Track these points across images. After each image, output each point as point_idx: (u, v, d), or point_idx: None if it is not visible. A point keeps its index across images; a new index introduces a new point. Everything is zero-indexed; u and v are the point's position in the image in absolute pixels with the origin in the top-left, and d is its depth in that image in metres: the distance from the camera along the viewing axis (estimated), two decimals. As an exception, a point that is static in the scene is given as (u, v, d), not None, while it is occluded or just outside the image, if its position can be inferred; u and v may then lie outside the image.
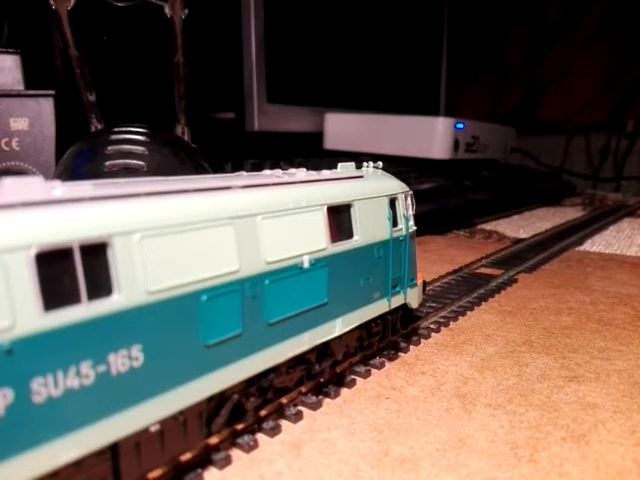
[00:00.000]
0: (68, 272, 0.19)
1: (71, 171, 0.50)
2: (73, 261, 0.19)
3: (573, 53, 1.79)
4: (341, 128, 1.11)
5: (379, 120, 1.09)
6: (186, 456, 0.25)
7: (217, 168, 0.72)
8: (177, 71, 0.59)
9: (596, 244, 0.83)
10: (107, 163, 0.49)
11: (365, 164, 0.39)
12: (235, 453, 0.27)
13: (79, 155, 0.51)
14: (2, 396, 0.17)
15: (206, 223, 0.24)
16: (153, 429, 0.22)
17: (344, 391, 0.33)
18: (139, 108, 0.76)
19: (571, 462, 0.26)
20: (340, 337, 0.33)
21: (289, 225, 0.28)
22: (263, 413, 0.29)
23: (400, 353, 0.39)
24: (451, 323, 0.45)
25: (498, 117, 1.71)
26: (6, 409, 0.17)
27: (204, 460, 0.26)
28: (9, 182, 0.19)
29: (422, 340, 0.41)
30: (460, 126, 1.05)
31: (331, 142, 1.12)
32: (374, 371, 0.36)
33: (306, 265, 0.29)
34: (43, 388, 0.18)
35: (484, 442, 0.28)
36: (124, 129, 0.52)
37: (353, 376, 0.34)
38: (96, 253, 0.20)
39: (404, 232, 0.38)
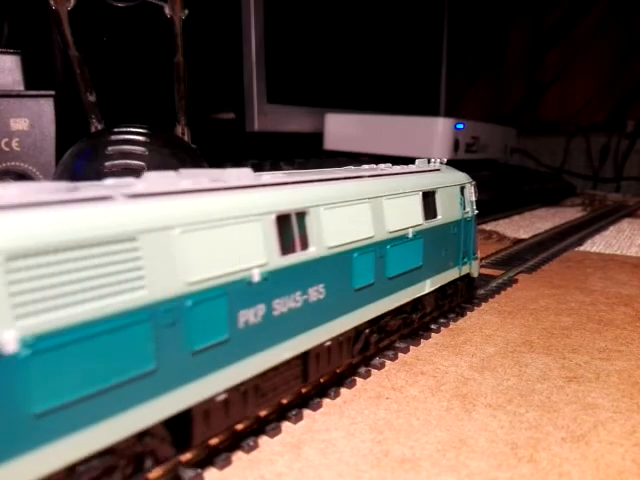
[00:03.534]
0: (289, 231, 0.28)
1: (71, 171, 0.50)
2: (291, 224, 0.28)
3: (573, 53, 1.79)
4: (341, 128, 1.11)
5: (379, 120, 1.09)
6: (186, 456, 0.25)
7: (217, 168, 0.72)
8: (177, 71, 0.59)
9: (596, 244, 0.83)
10: (107, 163, 0.49)
11: (432, 160, 0.46)
12: (235, 453, 0.27)
13: (79, 155, 0.51)
14: (259, 309, 0.26)
15: (354, 201, 0.33)
16: (326, 344, 0.31)
17: (344, 391, 0.33)
18: (139, 108, 0.76)
19: (571, 462, 0.26)
20: (428, 294, 0.41)
21: (400, 205, 0.37)
22: (263, 414, 0.29)
23: (400, 353, 0.39)
24: (451, 323, 0.45)
25: (498, 117, 1.71)
26: (261, 317, 0.26)
27: (204, 460, 0.26)
28: (237, 172, 0.28)
29: (422, 340, 0.41)
30: (460, 126, 1.05)
31: (331, 142, 1.12)
32: (374, 371, 0.36)
33: (410, 236, 0.38)
34: (278, 306, 0.27)
35: (484, 442, 0.28)
36: (124, 129, 0.52)
37: (353, 376, 0.34)
38: (301, 220, 0.29)
39: (470, 214, 0.47)
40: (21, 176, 0.63)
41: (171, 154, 0.52)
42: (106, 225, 0.20)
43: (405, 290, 0.38)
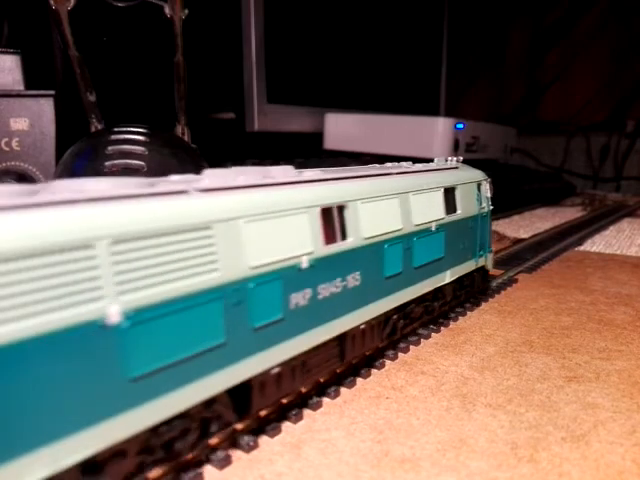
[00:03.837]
0: (331, 223, 0.31)
1: (71, 171, 0.50)
2: (333, 216, 0.31)
3: (573, 53, 1.79)
4: (341, 128, 1.11)
5: (379, 120, 1.09)
6: (186, 456, 0.25)
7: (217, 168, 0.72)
8: (177, 71, 0.59)
9: (596, 244, 0.83)
10: (107, 163, 0.49)
11: (449, 158, 0.49)
12: (235, 453, 0.27)
13: (79, 155, 0.51)
14: (307, 292, 0.29)
15: (385, 196, 0.36)
16: (361, 328, 0.34)
17: (344, 391, 0.33)
18: (139, 108, 0.76)
19: (571, 462, 0.26)
20: (447, 284, 0.44)
21: (424, 200, 0.40)
22: (263, 414, 0.29)
23: (400, 353, 0.39)
24: (451, 323, 0.45)
25: (498, 117, 1.71)
26: (308, 300, 0.29)
27: (204, 460, 0.26)
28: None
29: (422, 340, 0.41)
30: (460, 126, 1.05)
31: (331, 142, 1.12)
32: (374, 371, 0.36)
33: (433, 229, 0.40)
34: (322, 290, 0.30)
35: (484, 442, 0.28)
36: (124, 129, 0.52)
37: (353, 376, 0.34)
38: (342, 213, 0.32)
39: (486, 210, 0.50)
40: (21, 176, 0.63)
41: (171, 154, 0.52)
42: (188, 215, 0.23)
43: (428, 280, 0.41)
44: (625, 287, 0.58)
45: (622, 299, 0.53)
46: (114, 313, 0.20)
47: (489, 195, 0.50)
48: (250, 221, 0.26)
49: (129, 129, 0.52)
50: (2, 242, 0.17)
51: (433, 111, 1.53)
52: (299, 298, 0.29)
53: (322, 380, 0.33)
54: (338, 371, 0.34)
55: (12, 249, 0.17)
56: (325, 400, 0.32)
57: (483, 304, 0.51)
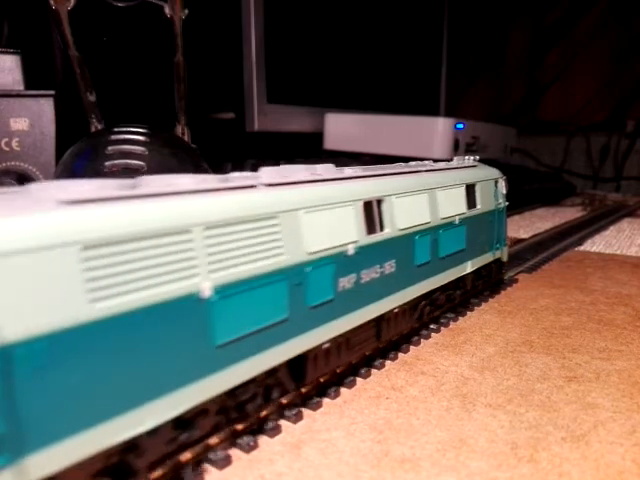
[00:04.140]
0: (372, 215, 0.34)
1: (71, 171, 0.50)
2: (373, 209, 0.34)
3: (573, 53, 1.79)
4: (341, 128, 1.11)
5: (379, 120, 1.09)
6: (186, 456, 0.25)
7: (217, 168, 0.72)
8: (177, 71, 0.59)
9: (596, 244, 0.83)
10: (107, 163, 0.49)
11: (467, 157, 0.52)
12: (235, 453, 0.27)
13: (79, 155, 0.51)
14: (352, 277, 0.32)
15: (416, 192, 0.39)
16: (395, 311, 0.38)
17: (344, 391, 0.33)
18: (139, 108, 0.76)
19: (571, 462, 0.26)
20: (468, 274, 0.47)
21: (449, 195, 0.43)
22: (263, 414, 0.29)
23: (400, 353, 0.39)
24: (451, 323, 0.45)
25: (498, 117, 1.71)
26: (353, 284, 0.32)
27: (204, 460, 0.26)
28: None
29: (422, 340, 0.41)
30: (460, 126, 1.05)
31: (331, 142, 1.12)
32: (374, 371, 0.36)
33: (457, 222, 0.44)
34: (364, 275, 0.33)
35: (484, 442, 0.28)
36: (124, 129, 0.52)
37: (353, 376, 0.34)
38: (380, 206, 0.35)
39: (502, 205, 0.53)
40: (21, 176, 0.63)
41: (171, 154, 0.52)
42: (260, 206, 0.27)
43: (452, 269, 0.44)
44: (625, 287, 0.58)
45: (622, 299, 0.53)
46: (206, 288, 0.23)
47: (504, 192, 0.54)
48: (308, 212, 0.29)
49: (129, 129, 0.52)
50: (120, 227, 0.21)
51: (433, 111, 1.53)
52: (346, 282, 0.32)
53: (367, 353, 0.36)
54: (367, 353, 0.36)
55: (128, 233, 0.21)
56: (325, 400, 0.32)
57: (483, 304, 0.51)
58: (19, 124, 0.64)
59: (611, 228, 0.99)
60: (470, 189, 0.46)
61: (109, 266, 0.20)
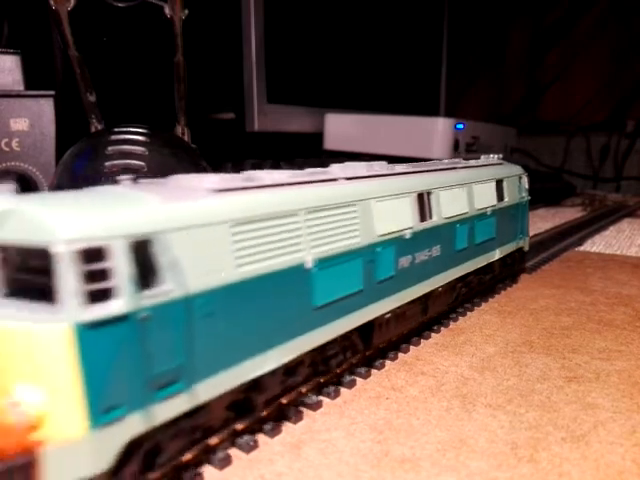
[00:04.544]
0: (423, 205, 0.39)
1: (71, 171, 0.50)
2: (424, 200, 0.40)
3: (573, 53, 1.79)
4: (341, 128, 1.11)
5: (379, 120, 1.09)
6: (186, 456, 0.25)
7: (217, 168, 0.72)
8: (177, 71, 0.59)
9: (596, 244, 0.83)
10: (107, 163, 0.49)
11: (491, 155, 0.57)
12: (235, 453, 0.27)
13: (79, 155, 0.51)
14: (408, 258, 0.37)
15: (456, 185, 0.44)
16: (439, 290, 0.43)
17: (344, 391, 0.33)
18: (139, 108, 0.76)
19: (571, 462, 0.26)
20: (496, 261, 0.52)
21: (482, 189, 0.48)
22: (264, 414, 0.29)
23: (400, 353, 0.39)
24: (451, 323, 0.45)
25: (498, 117, 1.71)
26: (409, 264, 0.38)
27: (204, 460, 0.26)
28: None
29: (422, 340, 0.41)
30: (460, 126, 1.05)
31: (331, 142, 1.12)
32: (374, 371, 0.36)
33: (488, 213, 0.49)
34: (417, 257, 0.39)
35: (484, 442, 0.28)
36: (124, 129, 0.52)
37: (353, 376, 0.34)
38: (429, 197, 0.40)
39: (525, 199, 0.58)
40: (21, 176, 0.63)
41: (171, 154, 0.52)
42: (344, 195, 0.32)
43: (484, 255, 0.49)
44: (625, 287, 0.58)
45: (622, 299, 0.53)
46: (309, 260, 0.29)
47: (527, 187, 0.59)
48: (377, 201, 0.35)
49: (129, 129, 0.52)
50: (254, 209, 0.26)
51: (433, 111, 1.53)
52: (404, 262, 0.37)
53: (415, 326, 0.41)
54: (415, 326, 0.41)
55: (259, 214, 0.26)
56: (325, 400, 0.32)
57: (483, 304, 0.51)
58: (19, 124, 0.64)
59: (611, 228, 0.99)
60: (499, 184, 0.52)
61: (248, 240, 0.25)
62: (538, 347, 0.41)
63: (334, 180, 0.33)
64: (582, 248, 0.80)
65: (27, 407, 0.19)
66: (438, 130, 1.02)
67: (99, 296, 0.19)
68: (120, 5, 0.64)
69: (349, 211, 0.32)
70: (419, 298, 0.40)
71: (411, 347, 0.40)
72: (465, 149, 1.08)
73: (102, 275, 0.19)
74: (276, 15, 0.98)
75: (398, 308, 0.37)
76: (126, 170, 0.49)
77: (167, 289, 0.21)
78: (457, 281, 0.45)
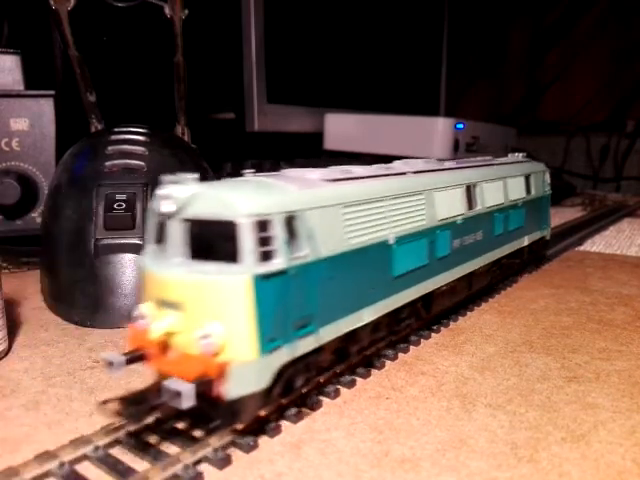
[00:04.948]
0: (470, 195, 0.46)
1: (71, 171, 0.50)
2: (471, 191, 0.46)
3: (573, 53, 1.79)
4: (341, 128, 1.11)
5: (379, 120, 1.09)
6: (186, 457, 0.25)
7: (217, 168, 0.72)
8: (177, 71, 0.59)
9: (596, 244, 0.83)
10: (107, 163, 0.49)
11: (516, 154, 0.63)
12: (235, 453, 0.27)
13: (79, 155, 0.51)
14: (458, 240, 0.44)
15: (495, 179, 0.51)
16: (480, 269, 0.49)
17: (344, 391, 0.33)
18: (139, 108, 0.76)
19: (571, 462, 0.26)
20: (524, 246, 0.58)
21: (514, 183, 0.55)
22: (263, 414, 0.29)
23: (400, 353, 0.39)
24: (451, 323, 0.45)
25: (498, 117, 1.71)
26: (459, 246, 0.44)
27: (203, 459, 0.26)
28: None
29: (422, 340, 0.41)
30: (460, 126, 1.05)
31: (331, 142, 1.12)
32: (374, 371, 0.36)
33: (519, 204, 0.55)
34: (466, 240, 0.45)
35: (484, 442, 0.28)
36: (124, 129, 0.52)
37: (353, 376, 0.34)
38: (475, 189, 0.47)
39: (548, 193, 0.65)
40: (21, 176, 0.63)
41: (171, 154, 0.52)
42: (414, 186, 0.39)
43: (515, 241, 0.56)
44: (625, 287, 0.58)
45: (622, 299, 0.53)
46: (391, 238, 0.35)
47: (549, 182, 0.65)
48: (438, 191, 0.41)
49: (129, 129, 0.52)
50: (355, 195, 0.33)
51: (433, 111, 1.53)
52: (456, 243, 0.44)
53: (462, 299, 0.47)
54: (463, 299, 0.48)
55: (359, 199, 0.33)
56: (325, 400, 0.32)
57: (483, 304, 0.51)
58: (19, 124, 0.64)
59: (611, 228, 0.99)
60: (527, 178, 0.58)
61: (353, 218, 0.32)
62: (538, 347, 0.41)
63: (404, 174, 0.40)
64: (582, 248, 0.80)
65: (215, 338, 0.25)
66: (438, 130, 1.02)
67: (266, 256, 0.26)
68: (120, 5, 0.64)
69: (418, 199, 0.39)
70: (466, 275, 0.46)
71: (411, 347, 0.40)
72: (465, 149, 1.08)
73: (268, 241, 0.26)
74: (276, 15, 0.98)
75: (451, 282, 0.44)
76: (126, 170, 0.49)
77: (305, 254, 0.28)
78: (493, 263, 0.51)
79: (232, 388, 0.25)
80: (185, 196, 0.26)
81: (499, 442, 0.28)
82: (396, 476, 0.25)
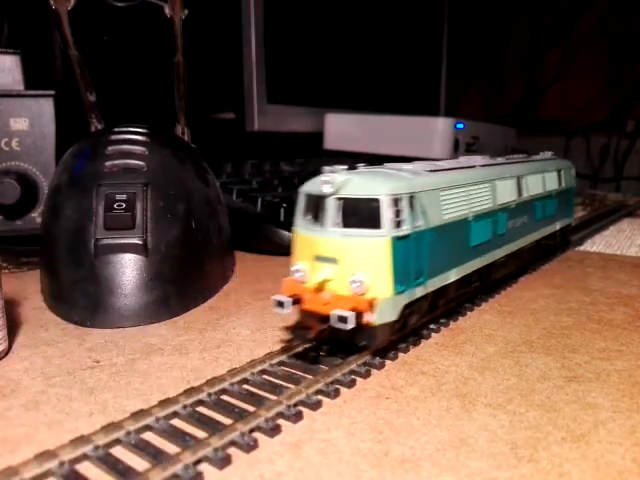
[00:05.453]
0: (520, 185, 0.55)
1: (71, 171, 0.50)
2: (520, 182, 0.55)
3: (573, 53, 1.79)
4: (341, 128, 1.11)
5: (379, 120, 1.09)
6: (186, 457, 0.25)
7: (217, 168, 0.72)
8: (177, 71, 0.59)
9: (596, 244, 0.83)
10: (107, 163, 0.49)
11: (542, 153, 0.71)
12: (235, 453, 0.27)
13: (79, 155, 0.51)
14: (512, 221, 0.53)
15: (535, 173, 0.59)
16: (527, 247, 0.58)
17: (344, 391, 0.33)
18: (139, 108, 0.76)
19: (571, 462, 0.26)
20: (556, 231, 0.68)
21: (550, 176, 0.64)
22: (263, 413, 0.29)
23: (400, 353, 0.39)
24: (451, 323, 0.45)
25: (498, 117, 1.71)
26: (511, 226, 0.53)
27: (203, 459, 0.26)
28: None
29: (422, 340, 0.41)
30: (460, 126, 1.05)
31: (331, 142, 1.12)
32: (374, 371, 0.36)
33: (553, 195, 0.64)
34: (517, 221, 0.54)
35: (484, 442, 0.28)
36: (124, 129, 0.52)
37: (353, 376, 0.34)
38: (522, 180, 0.55)
39: (573, 186, 0.73)
40: (21, 176, 0.63)
41: (171, 154, 0.52)
42: (483, 176, 0.47)
43: (550, 226, 0.65)
44: (625, 287, 0.58)
45: (622, 299, 0.53)
46: (470, 216, 0.44)
47: (574, 175, 0.74)
48: (499, 180, 0.50)
49: (129, 129, 0.52)
50: (446, 182, 0.42)
51: (433, 111, 1.53)
52: (510, 224, 0.52)
53: (512, 271, 0.57)
54: (513, 271, 0.57)
55: (449, 185, 0.42)
56: (325, 400, 0.32)
57: (483, 304, 0.51)
58: (19, 124, 0.64)
59: (611, 228, 0.99)
60: (559, 172, 0.67)
61: (447, 199, 0.41)
62: (538, 347, 0.41)
63: (474, 167, 0.49)
64: (582, 248, 0.80)
65: (364, 283, 0.34)
66: (438, 130, 1.02)
67: (398, 224, 0.35)
68: (120, 5, 0.64)
69: (486, 186, 0.47)
70: (515, 251, 0.54)
71: (411, 347, 0.40)
72: (465, 149, 1.08)
73: (399, 213, 0.35)
74: (276, 15, 0.98)
75: (506, 256, 0.52)
76: (126, 170, 0.49)
77: (420, 224, 0.37)
78: (535, 243, 0.60)
79: (377, 317, 0.34)
80: (340, 181, 0.35)
81: (499, 442, 0.28)
82: (396, 476, 0.25)
